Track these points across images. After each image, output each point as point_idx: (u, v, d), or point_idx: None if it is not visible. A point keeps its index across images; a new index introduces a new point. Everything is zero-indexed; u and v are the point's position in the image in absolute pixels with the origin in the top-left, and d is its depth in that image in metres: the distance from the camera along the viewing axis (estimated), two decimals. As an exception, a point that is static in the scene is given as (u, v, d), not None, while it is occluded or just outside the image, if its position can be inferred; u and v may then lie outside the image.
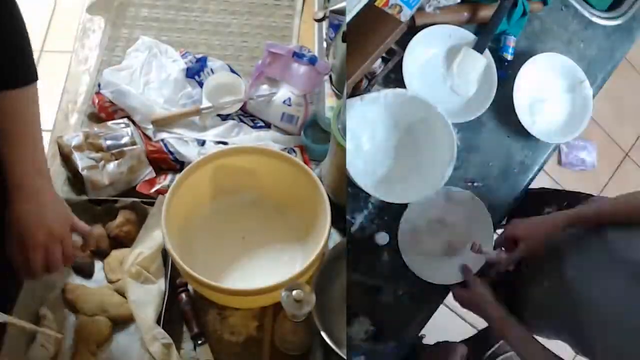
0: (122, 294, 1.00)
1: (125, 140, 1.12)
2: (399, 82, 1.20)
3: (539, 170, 1.25)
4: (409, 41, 1.18)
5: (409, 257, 1.11)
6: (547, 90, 1.27)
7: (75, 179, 1.11)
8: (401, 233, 1.12)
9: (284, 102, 1.17)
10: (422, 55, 1.21)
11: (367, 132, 1.11)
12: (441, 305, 1.15)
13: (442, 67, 1.24)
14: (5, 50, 0.83)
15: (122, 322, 0.99)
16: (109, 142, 1.11)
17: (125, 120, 1.15)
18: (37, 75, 0.88)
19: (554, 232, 1.02)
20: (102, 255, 1.05)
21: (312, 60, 1.16)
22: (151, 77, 1.22)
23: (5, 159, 0.86)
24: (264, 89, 1.20)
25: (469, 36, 1.22)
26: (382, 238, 1.11)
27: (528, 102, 1.25)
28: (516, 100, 1.21)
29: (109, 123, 1.15)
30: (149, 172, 1.12)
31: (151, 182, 1.11)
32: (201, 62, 1.24)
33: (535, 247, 1.04)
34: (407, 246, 1.12)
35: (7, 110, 0.85)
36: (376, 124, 1.12)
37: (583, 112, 1.27)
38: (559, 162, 2.34)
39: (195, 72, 1.23)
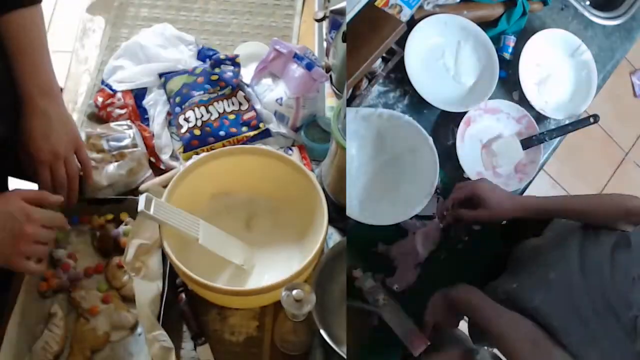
0: (129, 299, 1.01)
1: (126, 142, 1.12)
2: (400, 82, 1.20)
3: (539, 169, 1.25)
4: (409, 40, 1.19)
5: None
6: (549, 66, 1.29)
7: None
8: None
9: (276, 100, 1.17)
10: (422, 46, 1.22)
11: (354, 146, 1.12)
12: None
13: (442, 57, 1.25)
14: None
15: (120, 328, 0.99)
16: (110, 143, 1.11)
17: (128, 122, 1.15)
18: None
19: (520, 215, 1.01)
20: (106, 255, 1.05)
21: (309, 66, 1.16)
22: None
23: (16, 80, 0.93)
24: (265, 82, 1.21)
25: (465, 22, 1.23)
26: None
27: (535, 83, 1.26)
28: (524, 86, 1.22)
29: (112, 124, 1.14)
30: (148, 175, 1.12)
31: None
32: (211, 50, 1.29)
33: (497, 219, 1.03)
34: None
35: (14, 30, 0.92)
36: (365, 140, 1.13)
37: (588, 78, 1.29)
38: (634, 94, 2.52)
39: (206, 55, 1.27)
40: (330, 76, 1.20)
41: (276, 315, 1.02)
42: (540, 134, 1.22)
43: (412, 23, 1.19)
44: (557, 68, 1.30)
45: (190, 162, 1.02)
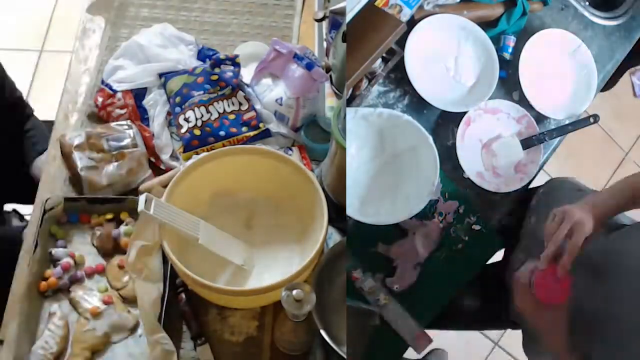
0: (129, 300, 1.01)
1: (126, 142, 1.12)
2: (400, 82, 1.20)
3: (539, 169, 1.25)
4: (409, 40, 1.18)
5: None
6: (549, 66, 1.29)
7: (75, 179, 1.11)
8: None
9: (276, 100, 1.18)
10: (422, 46, 1.22)
11: (353, 146, 1.12)
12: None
13: (442, 57, 1.25)
14: None
15: (121, 329, 0.99)
16: (110, 143, 1.11)
17: (128, 122, 1.15)
18: None
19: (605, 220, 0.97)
20: (106, 255, 1.05)
21: (309, 66, 1.16)
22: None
23: None
24: (265, 82, 1.21)
25: (465, 22, 1.23)
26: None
27: (535, 83, 1.26)
28: (524, 86, 1.22)
29: (112, 124, 1.15)
30: (148, 175, 1.12)
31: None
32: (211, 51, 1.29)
33: (588, 234, 0.95)
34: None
35: None
36: (365, 139, 1.13)
37: (588, 78, 1.29)
38: (634, 94, 2.55)
39: (206, 55, 1.27)
40: (330, 76, 1.20)
41: (276, 315, 1.02)
42: (540, 134, 1.22)
43: (412, 23, 1.19)
44: (557, 68, 1.30)
45: (190, 162, 1.02)
